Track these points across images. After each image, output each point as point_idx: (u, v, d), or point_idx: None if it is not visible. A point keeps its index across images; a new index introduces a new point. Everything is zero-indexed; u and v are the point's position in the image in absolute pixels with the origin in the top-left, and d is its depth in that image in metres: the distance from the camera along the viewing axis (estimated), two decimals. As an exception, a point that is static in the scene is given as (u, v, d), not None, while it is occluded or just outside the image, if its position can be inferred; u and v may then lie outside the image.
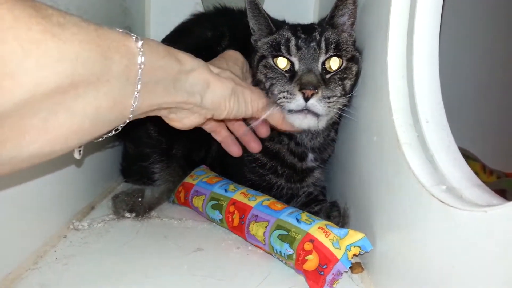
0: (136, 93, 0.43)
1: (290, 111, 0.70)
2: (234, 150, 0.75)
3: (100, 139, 0.48)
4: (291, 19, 0.85)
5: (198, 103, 0.53)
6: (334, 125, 0.82)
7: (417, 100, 0.55)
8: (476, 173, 0.49)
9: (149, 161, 0.97)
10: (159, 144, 0.96)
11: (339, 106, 0.72)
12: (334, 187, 0.87)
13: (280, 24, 0.79)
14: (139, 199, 0.83)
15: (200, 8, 1.22)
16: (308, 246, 0.59)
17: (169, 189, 0.91)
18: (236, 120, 0.70)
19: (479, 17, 1.25)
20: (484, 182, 0.48)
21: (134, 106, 0.44)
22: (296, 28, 0.76)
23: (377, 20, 0.64)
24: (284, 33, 0.75)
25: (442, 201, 0.44)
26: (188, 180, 0.87)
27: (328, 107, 0.69)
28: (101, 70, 0.38)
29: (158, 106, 0.48)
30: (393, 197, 0.56)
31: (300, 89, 0.67)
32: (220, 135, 0.73)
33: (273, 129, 0.77)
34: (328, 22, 0.77)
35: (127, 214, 0.80)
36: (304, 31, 0.74)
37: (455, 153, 0.51)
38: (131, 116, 0.44)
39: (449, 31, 1.09)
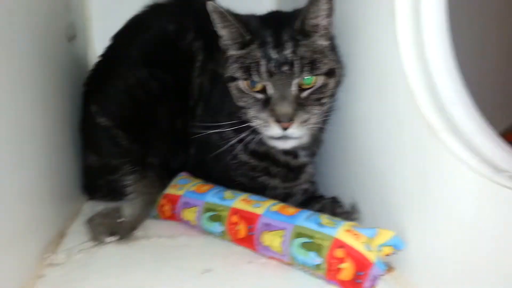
0: None
1: (269, 136, 0.68)
2: None
3: None
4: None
5: None
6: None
7: (437, 83, 0.52)
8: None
9: (119, 174, 0.85)
10: (130, 153, 0.85)
11: (321, 118, 0.69)
12: (334, 182, 0.82)
13: (252, 28, 0.68)
14: (118, 219, 0.73)
15: (151, -1, 1.11)
16: (339, 253, 0.53)
17: (149, 203, 0.81)
18: None
19: (477, 19, 1.23)
20: None
21: None
22: (266, 40, 0.66)
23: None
24: (254, 54, 0.67)
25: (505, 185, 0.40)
26: (171, 191, 0.78)
27: (307, 128, 0.67)
28: None
29: None
30: (430, 187, 0.52)
31: (276, 121, 0.64)
32: None
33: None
34: (301, 29, 0.67)
35: (108, 239, 0.69)
36: (276, 44, 0.66)
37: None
38: None
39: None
